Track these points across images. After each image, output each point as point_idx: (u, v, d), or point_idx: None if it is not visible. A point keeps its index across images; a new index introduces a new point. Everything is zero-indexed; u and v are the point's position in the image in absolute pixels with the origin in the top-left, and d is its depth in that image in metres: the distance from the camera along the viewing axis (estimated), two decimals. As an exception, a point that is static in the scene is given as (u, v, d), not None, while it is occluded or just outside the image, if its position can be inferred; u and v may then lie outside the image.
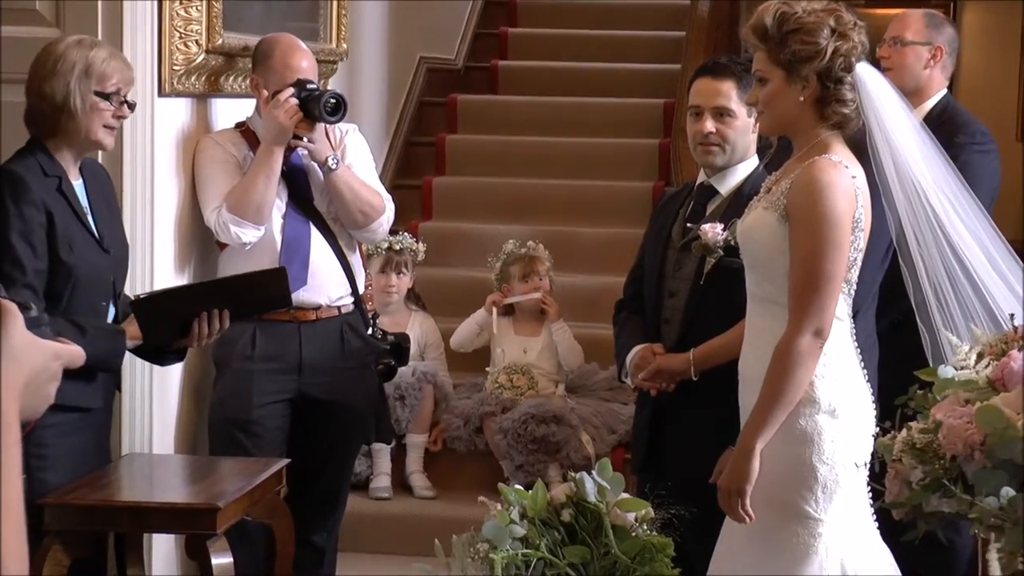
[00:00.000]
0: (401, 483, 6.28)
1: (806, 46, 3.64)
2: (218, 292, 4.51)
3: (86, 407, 4.22)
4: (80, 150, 4.23)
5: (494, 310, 6.53)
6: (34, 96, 4.13)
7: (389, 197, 5.37)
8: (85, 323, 4.14)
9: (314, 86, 5.10)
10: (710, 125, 4.44)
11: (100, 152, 4.58)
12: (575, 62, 9.21)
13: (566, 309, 6.59)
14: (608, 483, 3.37)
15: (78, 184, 4.23)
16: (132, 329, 4.28)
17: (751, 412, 3.69)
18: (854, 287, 3.75)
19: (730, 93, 4.41)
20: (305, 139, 5.07)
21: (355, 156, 5.31)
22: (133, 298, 4.35)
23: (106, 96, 4.17)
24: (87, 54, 4.15)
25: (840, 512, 3.68)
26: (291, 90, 5.04)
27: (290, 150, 5.11)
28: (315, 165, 5.13)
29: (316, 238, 5.15)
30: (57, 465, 4.14)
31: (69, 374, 4.13)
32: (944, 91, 5.12)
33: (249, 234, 4.98)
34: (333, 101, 5.04)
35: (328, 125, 5.09)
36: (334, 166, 5.10)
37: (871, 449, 3.69)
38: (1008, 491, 2.88)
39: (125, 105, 4.24)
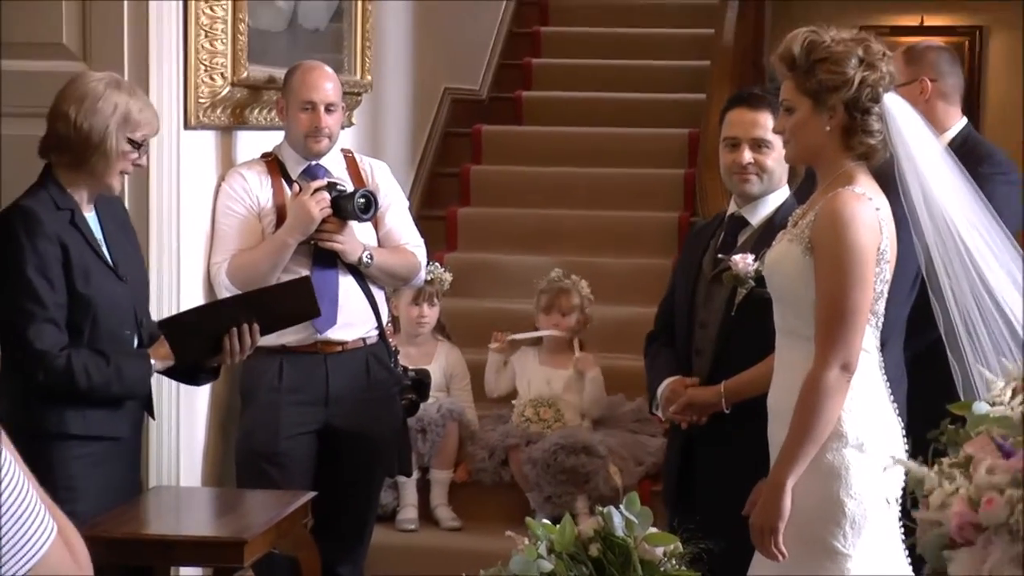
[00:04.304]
0: (427, 515, 6.25)
1: (833, 75, 3.62)
2: (245, 306, 4.51)
3: (114, 436, 4.24)
4: (95, 188, 4.24)
5: (496, 346, 6.51)
6: (63, 125, 4.14)
7: (421, 242, 5.41)
8: (108, 351, 4.15)
9: (343, 187, 5.12)
10: (748, 156, 4.41)
11: (127, 184, 4.60)
12: (599, 92, 9.19)
13: (591, 339, 6.56)
14: (636, 517, 3.34)
15: (91, 216, 4.25)
16: (161, 351, 4.29)
17: (781, 448, 3.66)
18: (881, 319, 3.72)
19: (766, 123, 4.36)
20: (336, 241, 5.09)
21: (389, 197, 5.34)
22: (160, 320, 4.36)
23: (136, 145, 4.19)
24: (127, 100, 4.17)
25: (870, 548, 3.65)
26: (323, 182, 5.07)
27: (315, 247, 5.12)
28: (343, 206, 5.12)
29: (344, 277, 5.16)
30: (87, 497, 4.14)
31: (95, 403, 4.19)
32: (963, 122, 5.03)
33: None
34: (363, 201, 5.06)
35: (360, 217, 5.10)
36: (369, 262, 5.13)
37: (902, 484, 3.66)
38: None
39: (146, 155, 4.27)
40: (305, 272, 5.05)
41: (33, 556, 1.80)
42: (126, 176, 4.31)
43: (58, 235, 4.11)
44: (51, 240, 4.09)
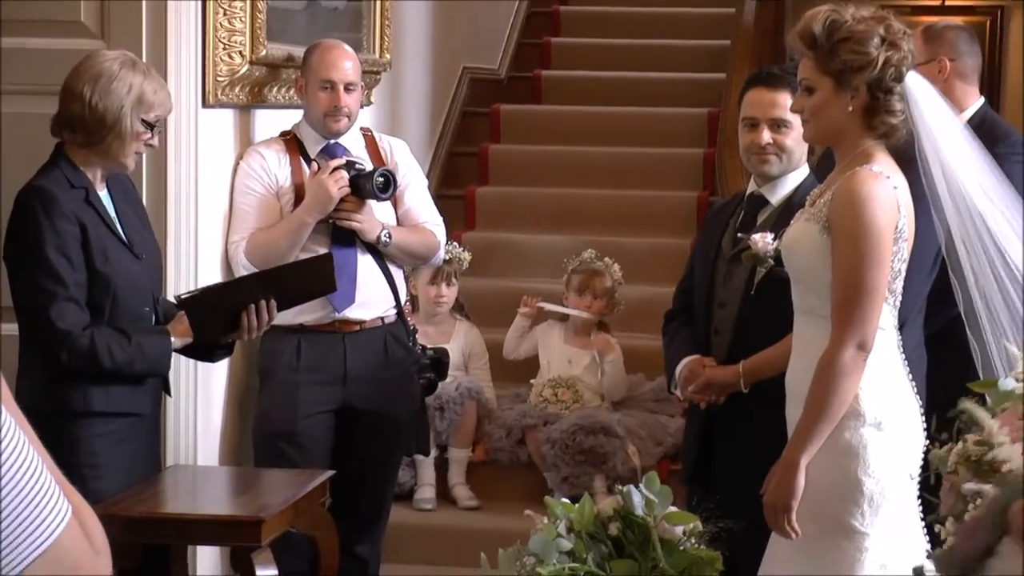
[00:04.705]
0: (445, 494, 6.25)
1: (857, 56, 3.59)
2: (265, 283, 4.51)
3: (136, 412, 4.24)
4: (108, 167, 4.23)
5: (525, 310, 6.52)
6: (77, 105, 4.12)
7: (440, 220, 5.40)
8: (130, 329, 4.14)
9: (362, 166, 5.10)
10: (767, 136, 4.40)
11: (144, 163, 4.60)
12: (618, 71, 9.17)
13: (611, 320, 6.55)
14: (656, 496, 3.34)
15: (104, 194, 4.24)
16: (179, 328, 4.28)
17: (796, 427, 3.65)
18: (899, 298, 3.71)
19: (785, 103, 4.32)
20: (354, 220, 5.08)
21: (408, 176, 5.33)
22: (181, 298, 4.35)
23: (150, 125, 4.18)
24: (141, 81, 4.15)
25: (887, 526, 3.64)
26: (342, 160, 5.06)
27: (334, 225, 5.11)
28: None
29: (362, 256, 5.15)
30: (111, 473, 4.15)
31: (117, 380, 4.18)
32: (980, 101, 5.00)
33: None
34: (382, 180, 5.05)
35: (379, 197, 5.08)
36: (387, 241, 5.12)
37: (920, 462, 3.65)
38: None
39: (157, 135, 4.26)
40: (323, 250, 5.04)
41: (45, 540, 1.78)
42: (143, 155, 4.30)
43: (75, 214, 4.10)
44: (69, 219, 4.08)
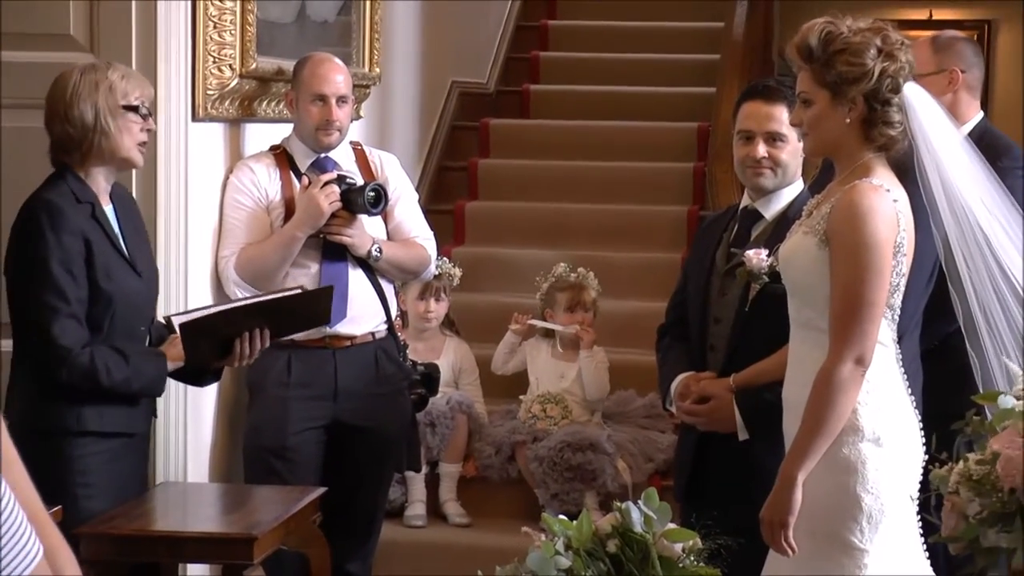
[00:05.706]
0: (435, 511, 6.21)
1: (853, 67, 3.57)
2: (263, 312, 4.47)
3: (130, 432, 4.21)
4: (112, 170, 4.20)
5: (516, 327, 6.49)
6: (60, 125, 4.10)
7: (430, 234, 5.38)
8: (127, 349, 4.11)
9: (353, 180, 5.07)
10: (762, 150, 4.36)
11: (134, 176, 4.57)
12: (607, 86, 9.16)
13: (601, 334, 6.52)
14: (654, 513, 3.30)
15: (109, 209, 4.22)
16: (172, 351, 4.25)
17: (793, 441, 3.62)
18: (897, 312, 3.67)
19: (782, 117, 4.30)
20: (345, 235, 5.06)
21: (399, 190, 5.30)
22: (178, 322, 4.31)
23: (133, 108, 4.14)
24: (105, 74, 4.14)
25: (887, 543, 3.60)
26: (333, 175, 5.03)
27: (325, 240, 5.09)
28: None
29: (353, 271, 5.12)
30: (102, 493, 4.12)
31: (113, 400, 4.15)
32: (980, 115, 5.00)
33: (245, 295, 4.97)
34: (373, 194, 5.02)
35: (370, 212, 5.05)
36: (378, 255, 5.10)
37: (918, 478, 3.62)
38: None
39: (151, 118, 4.22)
40: (314, 265, 5.02)
41: None
42: (142, 148, 4.24)
43: (82, 229, 4.08)
44: (75, 235, 4.06)
